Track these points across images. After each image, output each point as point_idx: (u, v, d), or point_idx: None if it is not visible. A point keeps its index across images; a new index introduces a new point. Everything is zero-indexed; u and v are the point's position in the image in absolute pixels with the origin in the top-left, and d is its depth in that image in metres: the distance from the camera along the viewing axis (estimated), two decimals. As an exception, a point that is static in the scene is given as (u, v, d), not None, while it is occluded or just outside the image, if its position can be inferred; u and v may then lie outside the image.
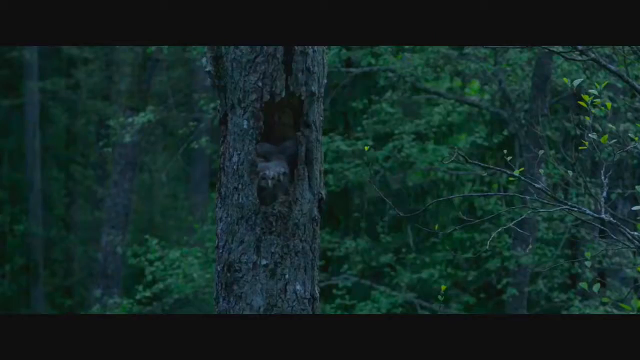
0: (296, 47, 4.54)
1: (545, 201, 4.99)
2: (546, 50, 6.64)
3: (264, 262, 4.52)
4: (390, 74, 11.31)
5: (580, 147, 5.07)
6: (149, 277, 11.84)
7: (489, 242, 5.24)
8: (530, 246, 10.52)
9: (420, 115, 12.81)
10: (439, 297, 5.36)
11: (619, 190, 10.73)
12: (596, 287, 4.85)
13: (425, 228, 11.45)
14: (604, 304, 9.47)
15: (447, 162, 5.29)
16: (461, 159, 4.95)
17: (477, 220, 5.27)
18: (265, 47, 4.52)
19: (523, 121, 10.65)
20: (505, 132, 11.55)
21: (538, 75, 10.46)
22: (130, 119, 12.01)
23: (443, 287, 5.19)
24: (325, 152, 11.32)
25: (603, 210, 4.87)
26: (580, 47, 5.18)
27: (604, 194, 4.95)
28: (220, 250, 4.61)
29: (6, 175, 19.86)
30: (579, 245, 11.45)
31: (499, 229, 5.34)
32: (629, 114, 9.15)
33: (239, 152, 4.57)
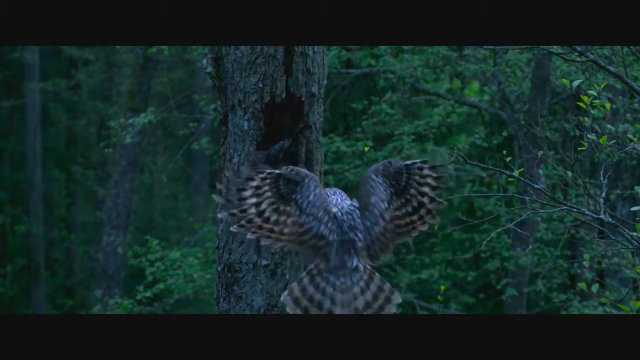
0: (296, 49, 4.56)
1: (545, 202, 5.01)
2: (545, 52, 6.67)
3: (264, 262, 4.54)
4: (390, 75, 11.32)
5: (579, 148, 5.08)
6: (150, 278, 11.84)
7: (485, 242, 5.27)
8: (530, 246, 10.53)
9: (420, 116, 12.83)
10: (439, 297, 5.38)
11: (618, 191, 10.74)
12: (595, 288, 4.86)
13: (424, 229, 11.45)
14: (602, 304, 9.48)
15: (446, 162, 5.29)
16: (461, 159, 4.97)
17: (477, 221, 5.28)
18: (265, 49, 4.54)
19: (522, 122, 10.66)
20: (505, 133, 11.56)
21: (537, 76, 10.48)
22: (130, 120, 12.01)
23: (442, 287, 5.22)
24: (325, 153, 11.33)
25: (602, 210, 4.88)
26: (579, 48, 5.19)
27: (603, 194, 4.96)
28: (221, 251, 4.62)
29: (7, 176, 19.88)
30: (578, 245, 11.46)
31: (498, 230, 5.36)
32: (628, 115, 9.16)
33: (239, 152, 4.59)
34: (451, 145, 12.53)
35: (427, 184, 4.18)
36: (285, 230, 4.00)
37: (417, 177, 4.18)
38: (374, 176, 4.17)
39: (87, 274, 19.39)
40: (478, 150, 12.75)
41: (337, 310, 4.07)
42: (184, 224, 17.87)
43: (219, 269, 4.63)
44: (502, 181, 11.81)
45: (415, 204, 4.17)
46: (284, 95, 4.57)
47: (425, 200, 4.17)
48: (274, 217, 3.99)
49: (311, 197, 4.04)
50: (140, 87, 13.93)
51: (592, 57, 5.26)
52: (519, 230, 6.89)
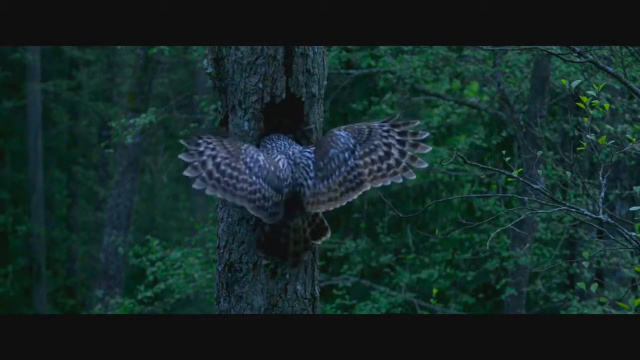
0: (296, 49, 4.57)
1: (544, 202, 5.02)
2: (544, 52, 6.68)
3: (264, 262, 4.55)
4: (389, 76, 11.33)
5: (578, 148, 5.09)
6: (151, 277, 11.86)
7: (488, 243, 5.27)
8: (528, 244, 10.54)
9: (420, 117, 12.85)
10: (432, 300, 5.40)
11: (617, 191, 10.76)
12: (594, 287, 4.88)
13: (423, 233, 11.48)
14: (601, 304, 9.50)
15: (446, 163, 5.31)
16: (460, 160, 4.98)
17: (476, 223, 5.30)
18: (265, 49, 4.55)
19: (522, 122, 10.67)
20: (504, 134, 11.58)
21: (537, 76, 10.49)
22: (131, 120, 12.03)
23: (435, 291, 5.24)
24: (326, 153, 11.31)
25: (601, 210, 4.89)
26: (578, 49, 5.21)
27: (602, 194, 4.97)
28: (221, 251, 4.64)
29: (9, 176, 19.89)
30: (577, 245, 11.48)
31: (498, 230, 5.37)
32: (627, 116, 9.17)
33: (239, 153, 4.60)
34: (451, 145, 12.55)
35: (391, 137, 4.46)
36: (238, 186, 4.26)
37: (379, 131, 4.46)
38: (336, 131, 4.43)
39: (88, 273, 19.42)
40: (477, 151, 12.77)
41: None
42: (185, 224, 17.89)
43: (220, 269, 4.64)
44: (502, 181, 11.83)
45: (381, 152, 4.42)
46: (284, 95, 4.58)
47: (394, 150, 4.44)
48: (228, 171, 4.26)
49: (261, 162, 4.30)
50: (141, 88, 13.95)
51: (591, 57, 5.27)
52: (517, 230, 6.89)
